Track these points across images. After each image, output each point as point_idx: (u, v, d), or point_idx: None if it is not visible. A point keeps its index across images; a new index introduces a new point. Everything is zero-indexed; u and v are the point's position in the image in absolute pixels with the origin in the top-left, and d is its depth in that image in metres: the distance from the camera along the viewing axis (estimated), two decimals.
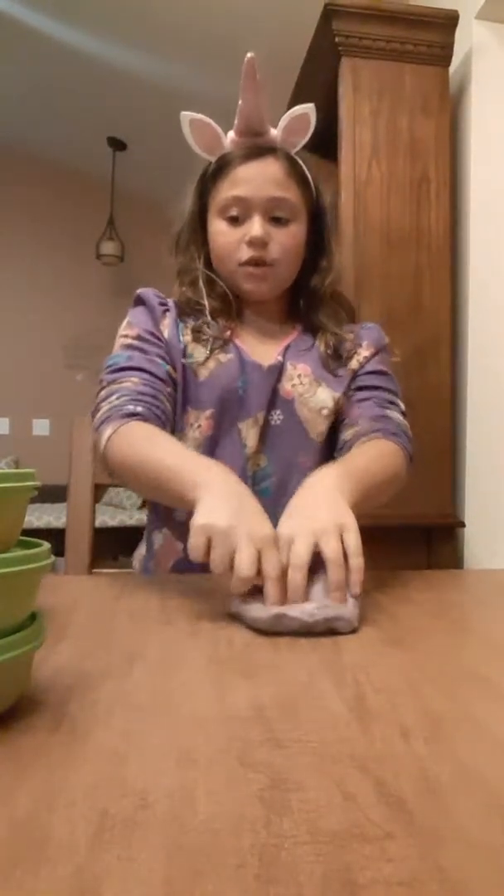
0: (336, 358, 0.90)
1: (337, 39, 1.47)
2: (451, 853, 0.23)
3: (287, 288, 0.91)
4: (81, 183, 4.24)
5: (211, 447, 0.86)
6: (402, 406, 0.90)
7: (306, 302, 0.93)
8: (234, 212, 0.84)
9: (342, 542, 0.58)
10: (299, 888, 0.21)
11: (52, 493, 2.87)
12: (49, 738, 0.32)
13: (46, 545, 0.37)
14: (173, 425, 0.85)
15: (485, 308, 1.54)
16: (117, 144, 3.81)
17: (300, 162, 0.86)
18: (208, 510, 0.59)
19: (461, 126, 1.59)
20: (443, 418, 1.51)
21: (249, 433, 0.85)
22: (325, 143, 1.77)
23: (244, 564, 0.54)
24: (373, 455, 0.79)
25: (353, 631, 0.53)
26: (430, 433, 1.49)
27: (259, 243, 0.83)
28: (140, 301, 0.92)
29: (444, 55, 1.52)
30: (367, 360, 0.91)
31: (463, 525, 1.51)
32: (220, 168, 0.85)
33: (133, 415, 0.76)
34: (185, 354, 0.87)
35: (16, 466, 4.08)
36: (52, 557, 0.37)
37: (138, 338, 0.86)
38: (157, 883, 0.21)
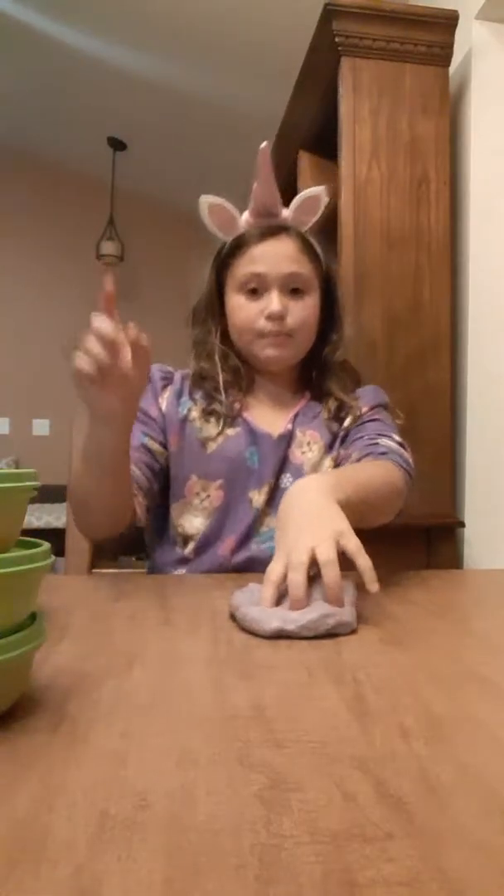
0: (337, 420, 0.95)
1: (337, 39, 1.47)
2: (451, 853, 0.23)
3: (300, 359, 0.96)
4: (81, 183, 4.23)
5: (222, 515, 0.90)
6: (398, 438, 0.91)
7: (318, 371, 0.98)
8: (252, 285, 0.89)
9: (341, 547, 0.58)
10: (299, 888, 0.21)
11: (52, 493, 2.86)
12: (49, 738, 0.32)
13: (46, 545, 0.37)
14: (158, 489, 0.91)
15: (485, 308, 1.54)
16: (117, 144, 3.81)
17: (311, 239, 0.92)
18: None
19: (461, 126, 1.59)
20: (443, 418, 1.51)
21: (259, 499, 0.89)
22: (325, 142, 1.77)
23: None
24: (362, 466, 0.81)
25: (353, 631, 0.53)
26: (430, 433, 1.49)
27: (277, 317, 0.88)
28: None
29: (444, 55, 1.52)
30: (359, 417, 0.94)
31: (463, 525, 1.51)
32: (237, 246, 0.91)
33: None
34: (185, 424, 0.92)
35: (16, 466, 4.08)
36: (52, 557, 0.37)
37: None
38: (157, 883, 0.21)
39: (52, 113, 3.59)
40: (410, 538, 1.45)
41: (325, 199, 0.91)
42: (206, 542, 0.89)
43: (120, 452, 0.74)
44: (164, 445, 0.92)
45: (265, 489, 0.89)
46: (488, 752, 0.31)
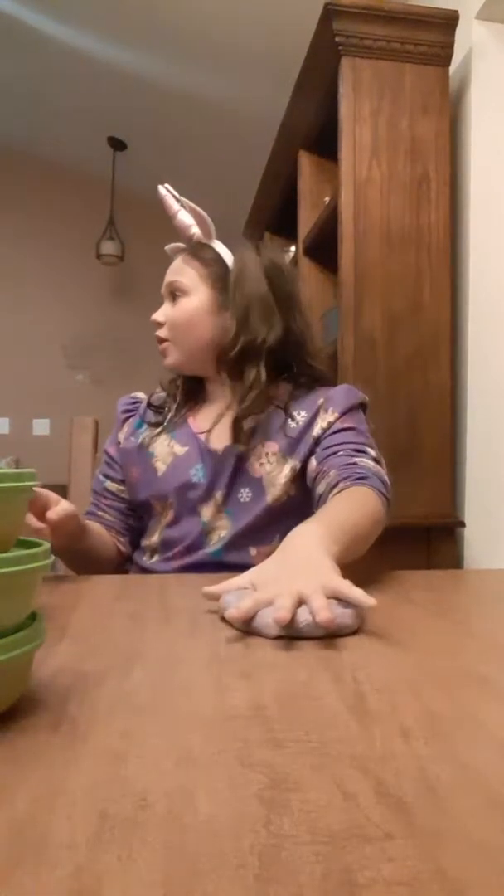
0: (293, 428, 0.92)
1: (337, 39, 1.47)
2: (451, 853, 0.23)
3: (225, 365, 0.94)
4: (81, 183, 4.23)
5: (172, 531, 0.94)
6: (374, 453, 0.88)
7: (234, 369, 0.94)
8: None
9: (331, 591, 0.54)
10: (299, 888, 0.21)
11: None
12: (49, 738, 0.32)
13: (46, 545, 0.37)
14: (126, 521, 1.02)
15: (485, 308, 1.54)
16: (117, 144, 3.81)
17: (211, 245, 0.98)
18: None
19: (461, 126, 1.59)
20: (443, 418, 1.51)
21: (208, 512, 0.92)
22: (325, 142, 1.77)
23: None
24: (352, 505, 0.76)
25: (353, 632, 0.53)
26: (430, 433, 1.49)
27: (154, 324, 0.99)
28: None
29: (444, 55, 1.52)
30: (331, 424, 0.91)
31: (463, 525, 1.51)
32: None
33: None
34: (141, 451, 0.98)
35: (16, 466, 4.07)
36: (52, 557, 0.37)
37: (104, 457, 1.05)
38: (157, 883, 0.21)
39: (52, 113, 3.59)
40: (410, 538, 1.45)
41: (197, 210, 0.97)
42: (160, 553, 0.95)
43: (76, 546, 0.88)
44: (123, 482, 1.01)
45: (212, 503, 0.92)
46: (488, 752, 0.31)
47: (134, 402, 1.06)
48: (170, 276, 0.98)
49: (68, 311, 4.28)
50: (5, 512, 0.36)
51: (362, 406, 0.96)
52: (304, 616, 0.51)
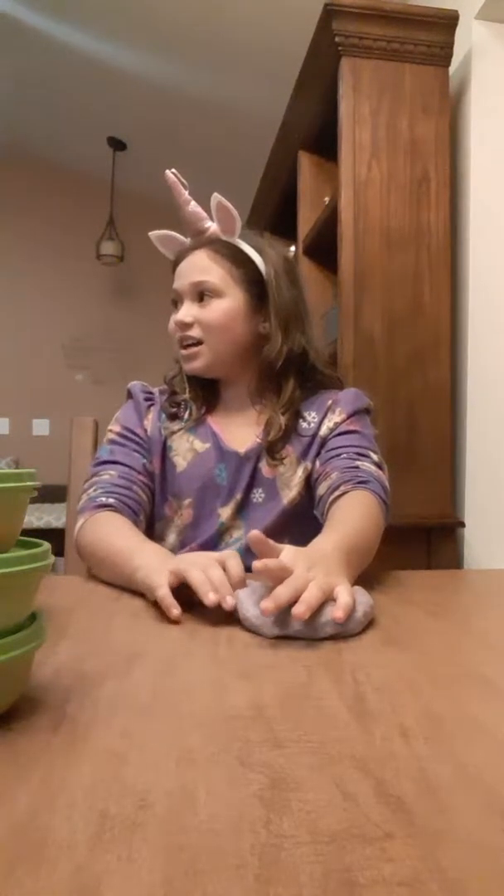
0: (307, 430, 0.92)
1: (337, 39, 1.47)
2: (451, 853, 0.23)
3: (254, 368, 0.94)
4: (81, 183, 4.23)
5: (191, 531, 0.92)
6: (377, 458, 0.88)
7: (268, 378, 0.94)
8: (174, 300, 0.95)
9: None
10: (299, 888, 0.21)
11: (52, 493, 2.86)
12: (49, 738, 0.32)
13: (46, 545, 0.37)
14: (151, 511, 0.93)
15: (485, 308, 1.54)
16: (117, 144, 3.81)
17: (235, 243, 0.93)
18: (157, 564, 0.65)
19: (461, 126, 1.59)
20: (443, 418, 1.51)
21: (226, 513, 0.91)
22: (325, 142, 1.77)
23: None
24: (361, 513, 0.77)
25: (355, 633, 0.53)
26: (430, 433, 1.49)
27: (181, 325, 0.91)
28: (129, 395, 1.01)
29: (444, 55, 1.52)
30: (338, 425, 0.92)
31: (463, 525, 1.51)
32: (173, 268, 0.96)
33: (104, 506, 0.85)
34: (164, 447, 0.94)
35: (16, 466, 4.08)
36: (52, 557, 0.37)
37: (120, 434, 0.95)
38: (157, 883, 0.21)
39: (52, 113, 3.59)
40: (410, 538, 1.45)
41: (223, 202, 0.91)
42: (175, 553, 0.92)
43: None
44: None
45: (232, 504, 0.91)
46: (488, 752, 0.31)
47: (150, 392, 1.00)
48: (196, 276, 0.91)
49: (68, 311, 4.28)
50: (5, 512, 0.36)
51: (367, 412, 0.96)
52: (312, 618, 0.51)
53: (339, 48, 1.48)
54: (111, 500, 0.85)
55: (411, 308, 1.50)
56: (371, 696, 0.38)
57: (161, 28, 2.63)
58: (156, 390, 1.00)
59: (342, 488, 0.81)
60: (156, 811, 0.25)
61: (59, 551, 0.67)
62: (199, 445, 0.93)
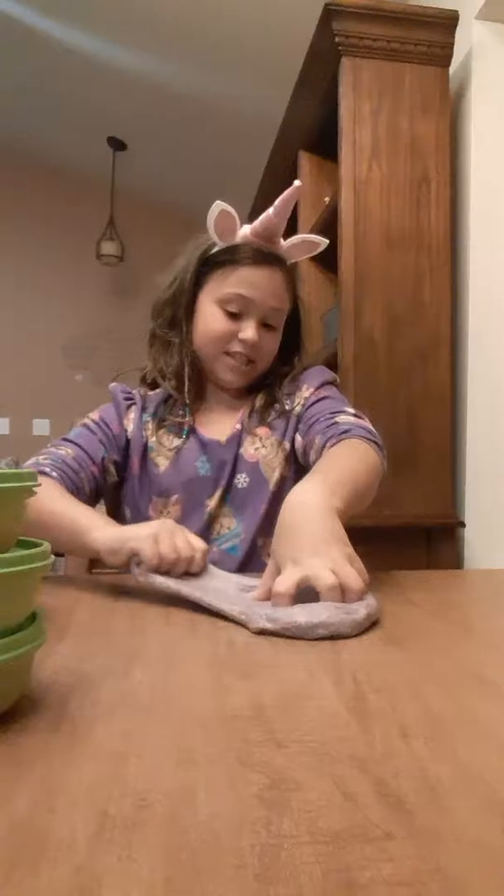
0: (271, 405, 0.96)
1: (337, 39, 1.47)
2: (451, 853, 0.23)
3: (266, 378, 0.98)
4: (81, 183, 4.23)
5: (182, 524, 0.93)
6: (352, 410, 0.90)
7: (272, 382, 0.98)
8: (234, 307, 0.89)
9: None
10: (299, 888, 0.21)
11: None
12: (49, 738, 0.32)
13: (46, 545, 0.37)
14: (91, 506, 0.89)
15: (485, 308, 1.54)
16: (117, 144, 3.81)
17: (294, 276, 0.94)
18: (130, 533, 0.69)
19: (461, 126, 1.59)
20: (443, 418, 1.51)
21: (212, 502, 0.91)
22: (325, 142, 1.77)
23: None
24: (345, 454, 0.78)
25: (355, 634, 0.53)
26: (430, 433, 1.49)
27: (251, 345, 0.89)
28: (111, 397, 1.00)
29: (444, 55, 1.52)
30: (308, 399, 0.95)
31: (463, 525, 1.51)
32: (230, 260, 0.89)
33: (44, 474, 0.82)
34: (146, 448, 0.94)
35: (16, 466, 4.07)
36: (52, 557, 0.37)
37: (94, 422, 0.94)
38: (157, 883, 0.21)
39: (52, 113, 3.59)
40: (410, 538, 1.45)
41: (321, 248, 0.93)
42: None
43: None
44: (118, 468, 0.94)
45: (217, 492, 0.91)
46: (488, 752, 0.31)
47: (130, 393, 0.99)
48: (275, 301, 0.90)
49: (68, 311, 4.28)
50: (5, 512, 0.36)
51: (334, 384, 1.00)
52: (303, 617, 0.51)
53: (339, 48, 1.48)
54: (54, 474, 0.84)
55: (411, 308, 1.50)
56: (371, 696, 0.38)
57: (161, 28, 2.63)
58: (136, 391, 1.00)
59: (327, 445, 0.82)
60: (156, 811, 0.25)
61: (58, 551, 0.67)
62: (179, 441, 0.94)
